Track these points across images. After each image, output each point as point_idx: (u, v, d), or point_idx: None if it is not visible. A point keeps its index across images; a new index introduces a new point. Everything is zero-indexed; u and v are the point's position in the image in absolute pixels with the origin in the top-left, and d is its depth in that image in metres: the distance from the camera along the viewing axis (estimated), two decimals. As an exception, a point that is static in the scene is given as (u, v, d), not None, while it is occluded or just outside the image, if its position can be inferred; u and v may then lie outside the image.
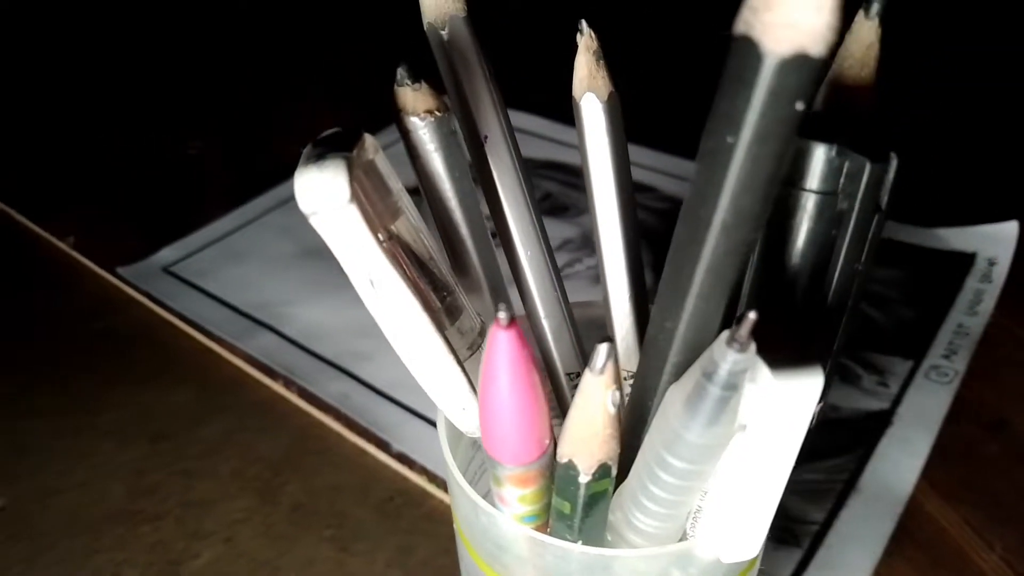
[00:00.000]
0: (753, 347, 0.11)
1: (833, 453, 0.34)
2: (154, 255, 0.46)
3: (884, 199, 0.13)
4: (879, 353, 0.39)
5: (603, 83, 0.17)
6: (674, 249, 0.12)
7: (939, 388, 0.37)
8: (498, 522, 0.16)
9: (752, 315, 0.11)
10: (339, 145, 0.14)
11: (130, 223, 0.50)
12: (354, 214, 0.13)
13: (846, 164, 0.12)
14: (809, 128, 0.13)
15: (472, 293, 0.18)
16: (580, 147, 0.18)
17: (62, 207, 0.52)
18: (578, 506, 0.14)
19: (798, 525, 0.31)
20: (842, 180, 0.13)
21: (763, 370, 0.12)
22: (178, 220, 0.50)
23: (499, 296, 0.18)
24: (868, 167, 0.12)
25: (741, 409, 0.13)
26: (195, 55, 0.72)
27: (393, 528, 0.33)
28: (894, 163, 0.13)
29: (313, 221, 0.13)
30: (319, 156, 0.13)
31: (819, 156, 0.13)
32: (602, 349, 0.12)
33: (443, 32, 0.16)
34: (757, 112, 0.09)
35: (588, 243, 0.47)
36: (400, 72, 0.15)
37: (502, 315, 0.12)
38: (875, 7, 0.14)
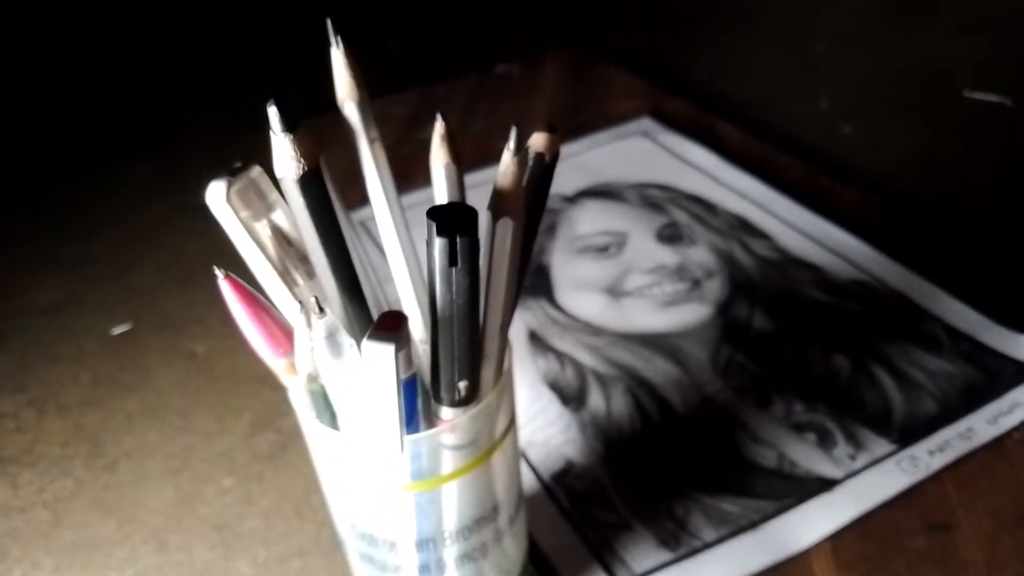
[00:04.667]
0: (328, 314, 0.21)
1: (762, 496, 0.38)
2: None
3: (459, 261, 0.21)
4: (870, 431, 0.41)
5: (444, 156, 0.27)
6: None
7: (900, 475, 0.39)
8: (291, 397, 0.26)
9: (312, 300, 0.20)
10: (238, 171, 0.25)
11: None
12: (227, 209, 0.24)
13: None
14: (435, 214, 0.21)
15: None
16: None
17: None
18: (309, 396, 0.24)
19: (685, 535, 0.37)
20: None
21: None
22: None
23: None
24: (437, 240, 0.21)
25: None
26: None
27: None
28: (460, 240, 0.21)
29: (211, 209, 0.25)
30: (219, 176, 0.25)
31: (433, 229, 0.21)
32: (298, 306, 0.22)
33: (344, 109, 0.27)
34: (289, 204, 0.19)
35: (678, 273, 0.53)
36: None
37: (219, 272, 0.23)
38: (511, 143, 0.22)
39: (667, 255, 0.55)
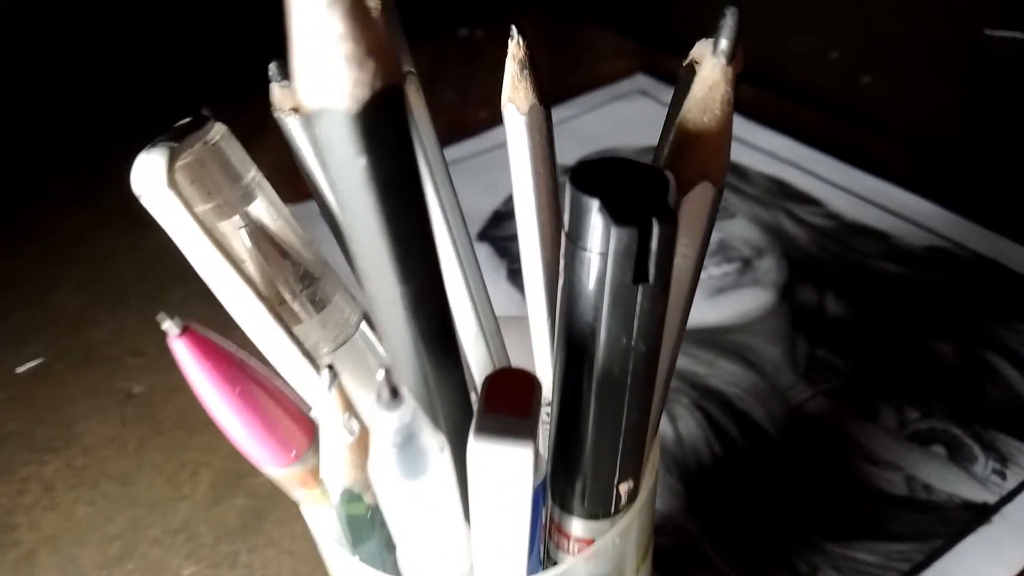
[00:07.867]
0: (407, 401, 0.10)
1: (902, 538, 0.30)
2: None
3: (651, 269, 0.11)
4: (1011, 436, 0.33)
5: (525, 95, 0.16)
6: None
7: (1069, 494, 0.30)
8: (305, 513, 0.16)
9: (381, 373, 0.10)
10: (188, 132, 0.14)
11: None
12: (170, 199, 0.14)
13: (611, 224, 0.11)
14: (591, 184, 0.11)
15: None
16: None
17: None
18: (343, 522, 0.14)
19: (821, 603, 0.28)
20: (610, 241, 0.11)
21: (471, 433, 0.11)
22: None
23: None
24: (613, 230, 0.11)
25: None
26: None
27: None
28: (656, 230, 0.11)
29: (143, 202, 0.14)
30: (154, 144, 0.14)
31: (592, 211, 0.11)
32: (325, 373, 0.12)
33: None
34: (326, 168, 0.08)
35: (721, 252, 0.44)
36: (272, 68, 0.15)
37: (167, 324, 0.12)
38: (722, 43, 0.12)
39: (704, 231, 0.46)
